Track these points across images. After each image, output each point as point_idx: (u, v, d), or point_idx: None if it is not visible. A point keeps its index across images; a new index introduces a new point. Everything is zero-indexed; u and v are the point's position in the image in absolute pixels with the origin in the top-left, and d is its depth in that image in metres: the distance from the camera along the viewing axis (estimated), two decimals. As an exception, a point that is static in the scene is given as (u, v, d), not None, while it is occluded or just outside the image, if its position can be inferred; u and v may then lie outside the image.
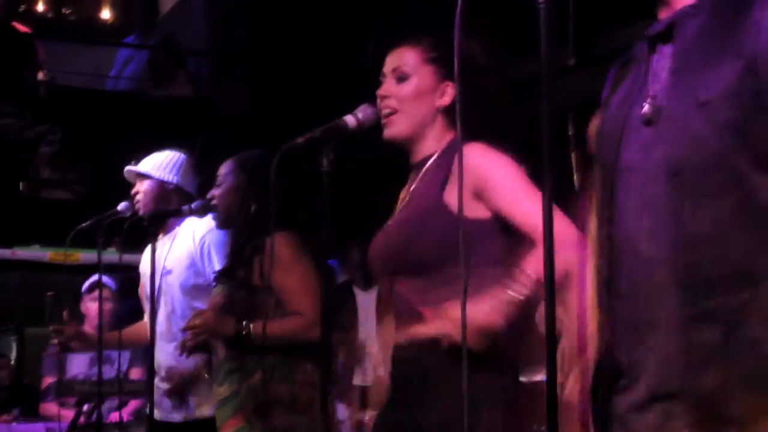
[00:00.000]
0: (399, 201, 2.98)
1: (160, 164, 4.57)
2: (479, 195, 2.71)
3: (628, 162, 1.95)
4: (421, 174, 2.87)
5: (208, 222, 4.35)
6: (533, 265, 2.54)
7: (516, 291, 2.56)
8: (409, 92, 2.86)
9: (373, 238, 2.94)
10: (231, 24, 9.95)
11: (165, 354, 4.37)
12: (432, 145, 2.87)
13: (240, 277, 3.79)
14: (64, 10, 13.77)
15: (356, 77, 7.25)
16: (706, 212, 1.82)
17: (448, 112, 2.86)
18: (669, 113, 1.89)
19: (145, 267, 4.50)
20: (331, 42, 8.17)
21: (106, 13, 13.86)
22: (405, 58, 2.89)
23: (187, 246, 4.40)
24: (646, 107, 1.93)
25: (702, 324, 1.82)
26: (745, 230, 1.80)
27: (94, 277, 5.91)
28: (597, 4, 5.71)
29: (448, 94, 2.85)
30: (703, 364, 1.82)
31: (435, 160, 2.85)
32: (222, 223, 4.06)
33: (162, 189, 4.54)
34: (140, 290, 4.73)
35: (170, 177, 4.54)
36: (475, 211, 2.71)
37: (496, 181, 2.71)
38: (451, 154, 2.78)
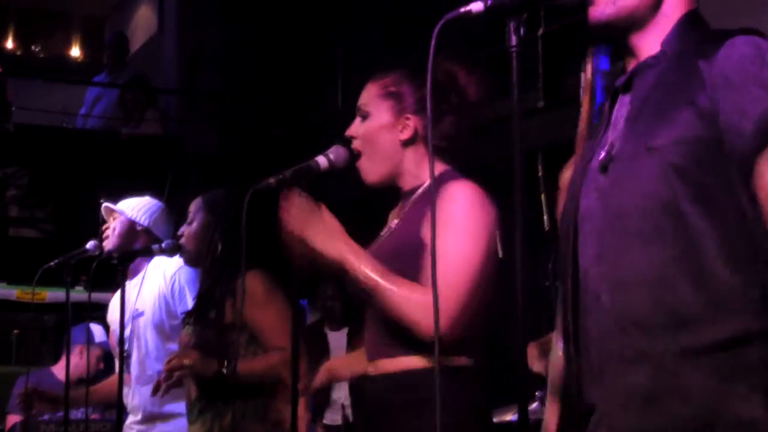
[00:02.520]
0: (387, 225, 2.94)
1: (135, 206, 4.57)
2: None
3: (586, 210, 1.97)
4: (408, 206, 2.81)
5: (177, 260, 4.32)
6: (391, 287, 2.57)
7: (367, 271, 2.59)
8: (369, 130, 2.81)
9: None
10: (201, 63, 9.97)
11: (140, 398, 4.33)
12: (411, 178, 2.81)
13: (211, 317, 3.78)
14: (33, 48, 13.77)
15: (326, 116, 7.28)
16: (647, 256, 1.85)
17: (409, 144, 2.83)
18: (621, 160, 1.92)
19: (114, 313, 4.47)
20: (301, 81, 8.20)
21: (75, 51, 13.88)
22: (366, 95, 2.86)
23: (158, 285, 4.37)
24: (603, 154, 1.96)
25: (634, 366, 1.85)
26: (684, 276, 1.82)
27: (93, 330, 5.85)
28: (565, 47, 5.76)
29: (408, 127, 2.82)
30: (635, 406, 1.86)
31: (420, 193, 2.78)
32: (190, 261, 4.05)
33: (131, 228, 4.53)
34: (111, 338, 4.69)
35: (142, 218, 4.53)
36: None
37: (442, 230, 2.58)
38: (440, 184, 2.68)
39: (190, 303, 4.17)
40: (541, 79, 5.95)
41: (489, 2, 1.82)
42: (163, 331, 4.33)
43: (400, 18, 6.81)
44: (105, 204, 4.60)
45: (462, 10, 1.83)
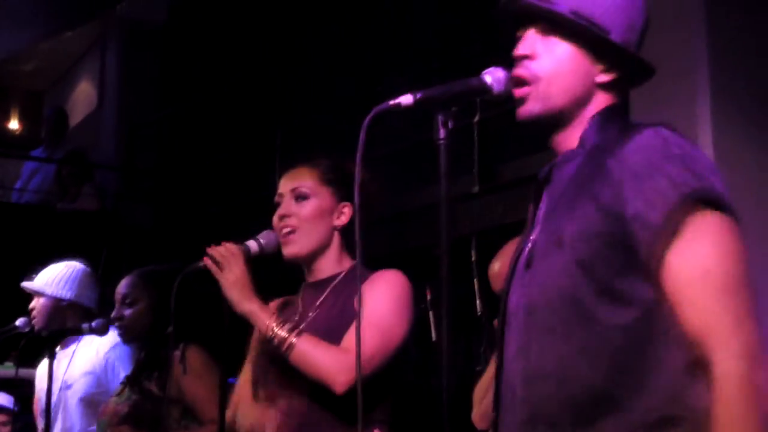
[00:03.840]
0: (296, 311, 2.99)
1: (53, 280, 4.50)
2: None
3: (513, 306, 2.02)
4: (325, 293, 2.89)
5: (112, 337, 4.30)
6: (306, 347, 2.67)
7: (276, 329, 2.70)
8: (310, 211, 2.90)
9: None
10: (139, 139, 9.97)
11: None
12: (331, 265, 2.92)
13: (147, 388, 3.76)
14: (-29, 120, 13.68)
15: (259, 198, 7.31)
16: (552, 350, 1.88)
17: (345, 232, 2.92)
18: (537, 255, 1.96)
19: (41, 383, 4.42)
20: (237, 161, 8.23)
21: (14, 124, 13.80)
22: (303, 178, 2.94)
23: (91, 360, 4.33)
24: (526, 251, 2.01)
25: None
26: (589, 368, 1.85)
27: None
28: (501, 133, 5.86)
29: (345, 214, 2.92)
30: None
31: (339, 281, 2.88)
32: (132, 340, 4.01)
33: (56, 305, 4.46)
34: (35, 406, 4.63)
35: (64, 293, 4.47)
36: None
37: (370, 302, 2.70)
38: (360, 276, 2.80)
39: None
40: (476, 164, 6.04)
41: (418, 95, 1.87)
42: (91, 405, 4.29)
43: (337, 101, 6.88)
44: (23, 284, 4.53)
45: (391, 102, 1.88)
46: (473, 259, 5.66)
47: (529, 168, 5.48)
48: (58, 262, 4.67)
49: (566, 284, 1.87)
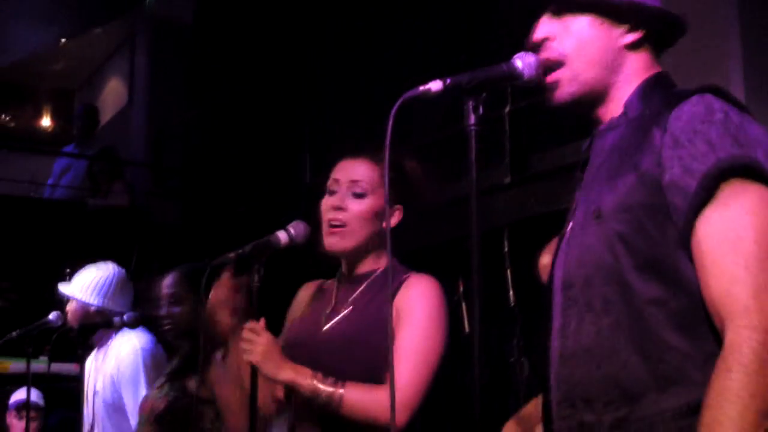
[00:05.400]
0: (305, 303, 2.98)
1: (85, 285, 4.55)
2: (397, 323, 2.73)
3: (555, 283, 1.98)
4: (361, 288, 2.85)
5: (134, 344, 4.31)
6: (356, 394, 2.63)
7: (320, 386, 2.64)
8: (364, 211, 2.84)
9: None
10: (168, 136, 10.00)
11: None
12: (370, 262, 2.87)
13: (186, 385, 3.75)
14: (4, 117, 13.76)
15: (289, 193, 7.31)
16: (590, 326, 1.84)
17: (392, 233, 2.83)
18: (574, 229, 1.93)
19: (86, 380, 4.47)
20: (267, 157, 8.23)
21: (46, 121, 13.89)
22: (365, 173, 2.87)
23: (112, 366, 4.35)
24: (569, 228, 1.97)
25: None
26: (627, 345, 1.80)
27: (21, 394, 5.80)
28: (532, 124, 5.81)
29: (395, 216, 2.85)
30: None
31: (374, 280, 2.84)
32: (179, 336, 4.00)
33: (84, 309, 4.52)
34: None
35: (92, 299, 4.51)
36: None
37: (407, 324, 2.70)
38: (395, 276, 2.78)
39: (141, 389, 4.15)
40: (508, 155, 5.99)
41: (448, 81, 1.84)
42: (118, 410, 4.31)
43: (365, 97, 6.85)
44: (59, 286, 4.58)
45: (421, 88, 1.85)
46: (505, 250, 5.62)
47: (562, 158, 5.43)
48: (89, 258, 4.70)
49: (605, 258, 1.82)
